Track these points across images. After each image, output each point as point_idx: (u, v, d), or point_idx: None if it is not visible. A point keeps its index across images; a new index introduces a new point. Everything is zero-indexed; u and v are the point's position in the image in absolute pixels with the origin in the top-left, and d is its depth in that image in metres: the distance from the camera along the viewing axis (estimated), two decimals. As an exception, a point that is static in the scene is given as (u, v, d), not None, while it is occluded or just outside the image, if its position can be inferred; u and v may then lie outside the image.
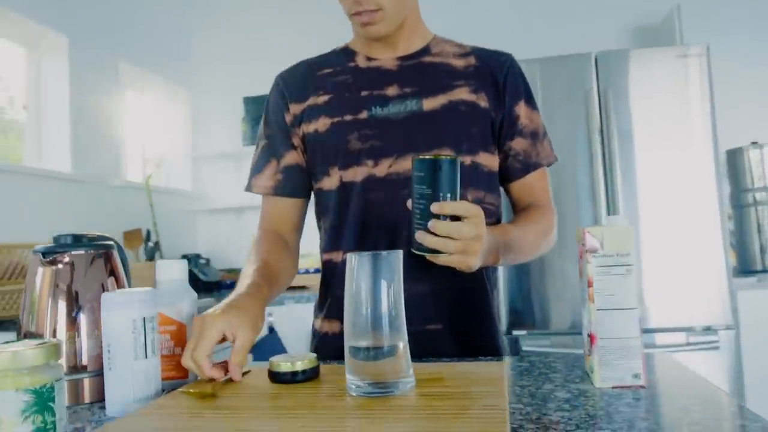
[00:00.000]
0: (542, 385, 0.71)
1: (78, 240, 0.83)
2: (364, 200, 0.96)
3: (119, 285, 0.85)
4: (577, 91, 2.25)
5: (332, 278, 1.00)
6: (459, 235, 0.73)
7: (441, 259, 0.76)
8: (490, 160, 0.99)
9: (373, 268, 0.63)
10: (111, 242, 0.87)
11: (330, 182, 1.00)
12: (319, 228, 1.05)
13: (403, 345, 0.64)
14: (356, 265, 0.63)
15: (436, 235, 0.73)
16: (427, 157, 0.75)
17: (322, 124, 0.99)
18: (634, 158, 2.21)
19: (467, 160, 0.96)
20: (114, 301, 0.71)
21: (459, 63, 1.01)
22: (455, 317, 0.95)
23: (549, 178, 1.06)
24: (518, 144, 1.01)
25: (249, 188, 1.07)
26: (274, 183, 1.04)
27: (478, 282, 0.97)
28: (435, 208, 0.73)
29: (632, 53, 2.24)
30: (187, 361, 0.73)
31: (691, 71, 2.21)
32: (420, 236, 0.75)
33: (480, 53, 1.04)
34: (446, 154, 0.78)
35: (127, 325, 0.70)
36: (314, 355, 0.74)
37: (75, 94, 2.52)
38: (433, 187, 0.74)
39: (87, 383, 0.78)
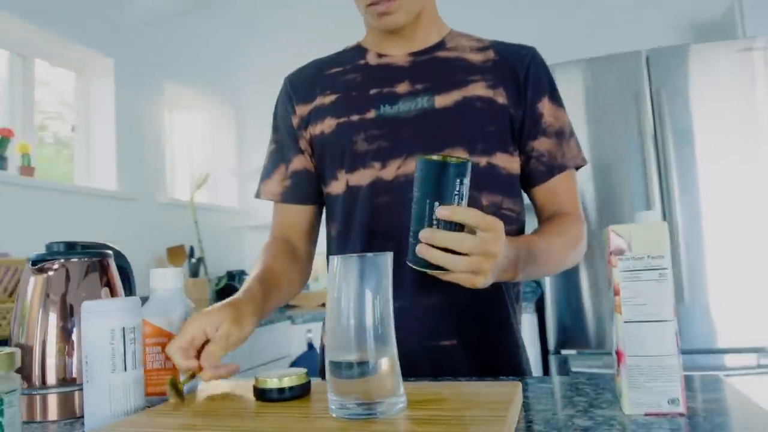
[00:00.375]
0: (561, 409, 0.61)
1: (71, 248, 0.80)
2: (371, 205, 0.89)
3: (115, 295, 0.82)
4: (626, 93, 2.10)
5: None
6: (460, 248, 0.64)
7: (443, 276, 0.67)
8: (508, 162, 0.91)
9: (358, 272, 0.56)
10: (107, 251, 0.84)
11: (337, 186, 0.94)
12: (328, 235, 0.99)
13: (391, 361, 0.56)
14: (338, 268, 0.56)
15: (435, 247, 0.65)
16: (433, 157, 0.66)
17: (328, 125, 0.94)
18: (695, 163, 2.03)
19: (482, 161, 0.88)
20: (91, 309, 0.67)
21: (476, 57, 0.94)
22: (470, 332, 0.85)
23: (577, 183, 0.95)
24: (542, 144, 0.92)
25: (258, 194, 1.03)
26: (282, 189, 1.00)
27: (496, 293, 0.87)
28: (440, 211, 0.64)
29: (690, 49, 2.07)
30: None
31: (756, 66, 2.02)
32: (418, 249, 0.66)
33: (500, 47, 0.96)
34: (458, 156, 0.69)
35: (105, 335, 0.66)
36: (304, 370, 0.67)
37: (121, 114, 2.60)
38: (436, 191, 0.65)
39: (77, 396, 0.74)
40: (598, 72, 2.15)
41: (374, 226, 0.89)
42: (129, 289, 0.91)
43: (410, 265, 0.68)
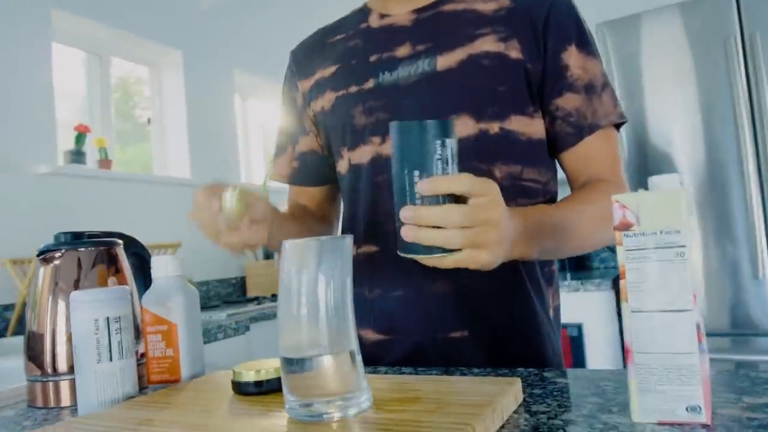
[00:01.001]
0: (562, 413, 0.52)
1: (78, 237, 0.81)
2: (373, 184, 0.82)
3: (123, 284, 0.82)
4: (715, 38, 1.84)
5: None
6: (451, 222, 0.55)
7: (443, 261, 0.57)
8: (527, 126, 0.79)
9: (310, 257, 0.50)
10: (116, 239, 0.84)
11: (342, 165, 0.89)
12: (342, 215, 0.94)
13: (346, 355, 0.50)
14: (288, 253, 0.51)
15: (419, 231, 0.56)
16: (395, 122, 0.57)
17: (327, 99, 0.88)
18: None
19: (494, 127, 0.78)
20: (76, 300, 0.66)
21: (487, 7, 0.82)
22: (483, 322, 0.77)
23: (616, 144, 0.82)
24: (568, 101, 0.79)
25: (272, 176, 0.99)
26: (290, 171, 0.97)
27: (513, 275, 0.77)
28: (420, 185, 0.55)
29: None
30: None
31: None
32: (404, 232, 0.56)
33: None
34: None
35: (89, 326, 0.66)
36: None
37: (191, 104, 2.70)
38: (414, 160, 0.56)
39: (86, 384, 0.76)
40: (686, 17, 1.90)
41: (377, 206, 0.82)
42: (145, 276, 0.91)
43: (401, 255, 0.59)
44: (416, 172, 0.56)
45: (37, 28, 2.09)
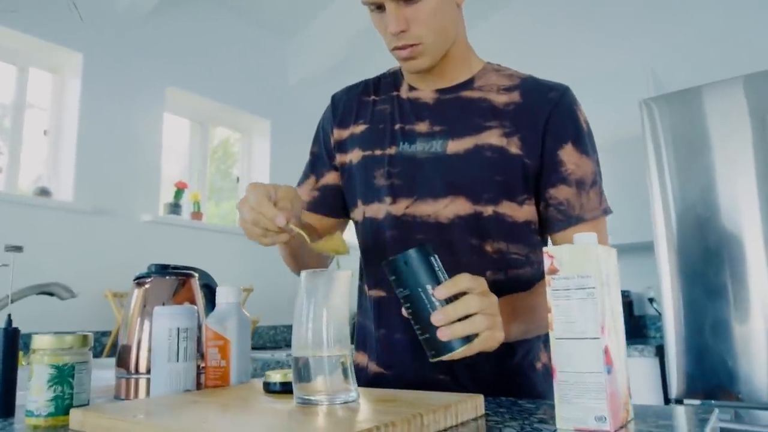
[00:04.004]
0: (509, 421, 0.65)
1: (164, 268, 1.04)
2: (384, 238, 0.96)
3: (193, 305, 1.04)
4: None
5: (359, 308, 1.04)
6: (472, 309, 0.69)
7: (473, 348, 0.70)
8: (515, 211, 0.92)
9: (318, 284, 0.69)
10: (193, 272, 1.07)
11: (357, 215, 1.02)
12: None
13: (339, 361, 0.67)
14: (303, 280, 0.69)
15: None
16: (397, 255, 0.71)
17: (355, 155, 1.01)
18: None
19: (488, 210, 0.91)
20: (158, 313, 0.88)
21: (500, 99, 0.94)
22: (466, 369, 0.89)
23: (603, 232, 0.93)
24: (560, 192, 0.91)
25: None
26: (310, 199, 1.07)
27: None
28: (438, 292, 0.69)
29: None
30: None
31: None
32: (441, 334, 0.68)
33: (528, 87, 0.95)
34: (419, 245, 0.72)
35: (164, 333, 0.87)
36: None
37: (274, 167, 3.04)
38: (424, 278, 0.70)
39: (161, 385, 0.97)
40: (741, 92, 1.97)
41: (385, 257, 0.92)
42: (212, 302, 1.13)
43: (436, 360, 0.70)
44: (428, 286, 0.70)
45: (154, 101, 2.52)
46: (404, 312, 0.73)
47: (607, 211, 0.93)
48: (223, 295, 0.99)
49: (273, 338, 2.84)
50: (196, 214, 2.61)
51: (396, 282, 0.72)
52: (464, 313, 0.69)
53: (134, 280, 1.02)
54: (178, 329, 0.87)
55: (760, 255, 1.86)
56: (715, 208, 1.95)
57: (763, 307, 1.84)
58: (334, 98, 1.11)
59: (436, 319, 0.69)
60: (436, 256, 0.72)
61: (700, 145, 2.01)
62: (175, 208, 2.51)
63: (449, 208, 0.92)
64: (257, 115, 3.01)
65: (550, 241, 0.98)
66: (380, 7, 0.89)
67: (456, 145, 0.93)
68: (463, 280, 0.71)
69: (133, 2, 2.41)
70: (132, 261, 2.32)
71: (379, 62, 3.85)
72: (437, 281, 0.70)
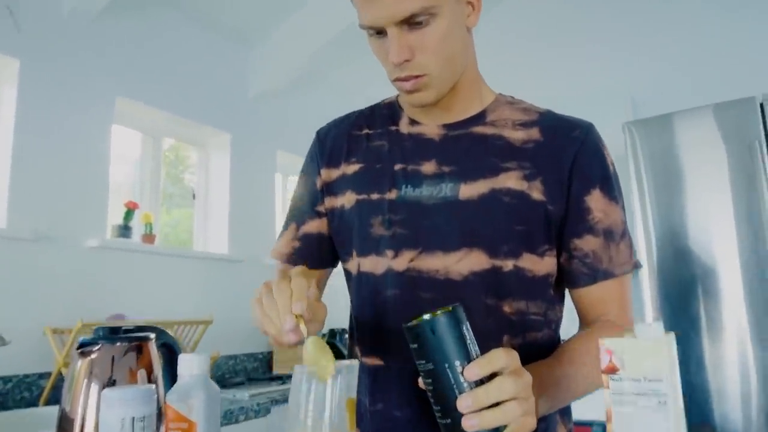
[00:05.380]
0: None
1: (115, 332, 0.88)
2: (384, 298, 0.83)
3: (151, 376, 0.88)
4: (740, 143, 1.87)
5: None
6: (506, 395, 0.57)
7: None
8: (536, 263, 0.81)
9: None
10: (149, 333, 0.91)
11: (351, 266, 0.90)
12: (351, 302, 0.94)
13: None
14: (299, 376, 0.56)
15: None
16: (424, 318, 0.59)
17: (348, 199, 0.88)
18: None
19: (508, 264, 0.79)
20: (107, 398, 0.72)
21: (517, 136, 0.83)
22: None
23: (629, 287, 0.84)
24: (587, 243, 0.81)
25: (271, 252, 0.99)
26: (289, 250, 0.94)
27: None
28: (469, 372, 0.58)
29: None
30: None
31: None
32: (468, 424, 0.57)
33: (549, 123, 0.84)
34: (442, 309, 0.59)
35: (116, 423, 0.71)
36: None
37: (234, 184, 2.85)
38: (453, 352, 0.58)
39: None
40: (712, 120, 1.94)
41: (386, 319, 0.83)
42: (172, 368, 0.97)
43: None
44: (457, 362, 0.58)
45: (102, 112, 2.30)
46: (421, 384, 0.62)
47: (637, 265, 0.84)
48: (186, 366, 0.83)
49: (233, 368, 2.65)
50: (148, 237, 2.40)
51: (418, 352, 0.60)
52: (496, 400, 0.58)
53: (77, 348, 0.85)
54: (133, 419, 0.71)
55: (737, 287, 1.83)
56: (691, 237, 1.91)
57: (739, 342, 1.81)
58: (319, 134, 0.98)
59: (463, 405, 0.57)
60: (468, 324, 0.60)
61: (676, 173, 1.98)
62: (124, 230, 2.29)
63: (463, 262, 0.80)
64: (216, 128, 2.82)
65: (568, 295, 0.88)
66: (381, 32, 0.76)
67: (469, 190, 0.81)
68: (499, 358, 0.59)
69: (80, 4, 2.19)
70: (75, 292, 2.09)
71: (344, 76, 3.75)
72: (468, 357, 0.59)
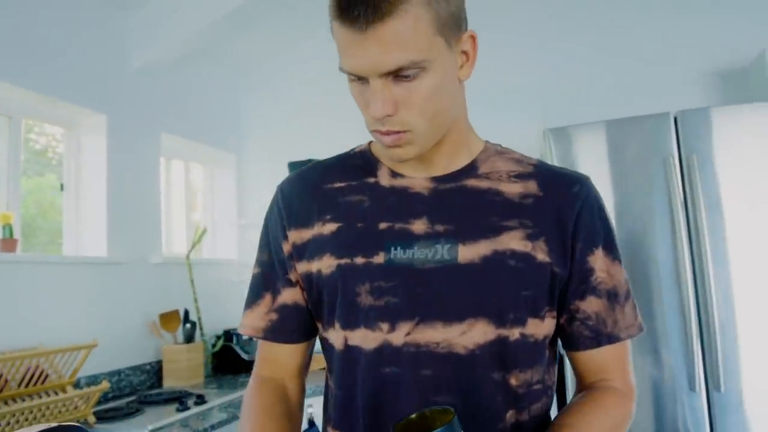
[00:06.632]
0: None
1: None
2: (377, 376, 0.73)
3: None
4: (654, 158, 1.96)
5: None
6: None
7: None
8: (538, 327, 0.76)
9: None
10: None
11: (335, 337, 0.78)
12: (326, 385, 0.83)
13: None
14: None
15: None
16: (411, 417, 0.61)
17: (326, 264, 0.77)
18: (725, 235, 1.88)
19: (515, 333, 0.73)
20: None
21: (514, 190, 0.77)
22: None
23: (629, 351, 0.81)
24: (590, 305, 0.77)
25: (241, 327, 0.86)
26: (266, 324, 0.83)
27: None
28: None
29: (714, 112, 1.93)
30: None
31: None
32: None
33: (545, 175, 0.79)
34: (435, 405, 0.59)
35: None
36: None
37: (112, 172, 2.47)
38: None
39: None
40: (623, 134, 2.01)
41: (379, 401, 0.73)
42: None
43: None
44: None
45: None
46: None
47: (641, 328, 0.80)
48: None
49: (117, 385, 2.33)
50: (9, 243, 1.98)
51: None
52: None
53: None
54: None
55: (669, 293, 1.93)
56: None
57: (652, 341, 1.93)
58: (282, 189, 0.85)
59: None
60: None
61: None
62: (-24, 236, 1.87)
63: (468, 335, 0.71)
64: (88, 108, 2.40)
65: (566, 358, 0.81)
66: (363, 78, 0.67)
67: (469, 252, 0.73)
68: None
69: None
70: None
71: (241, 52, 3.41)
72: None
